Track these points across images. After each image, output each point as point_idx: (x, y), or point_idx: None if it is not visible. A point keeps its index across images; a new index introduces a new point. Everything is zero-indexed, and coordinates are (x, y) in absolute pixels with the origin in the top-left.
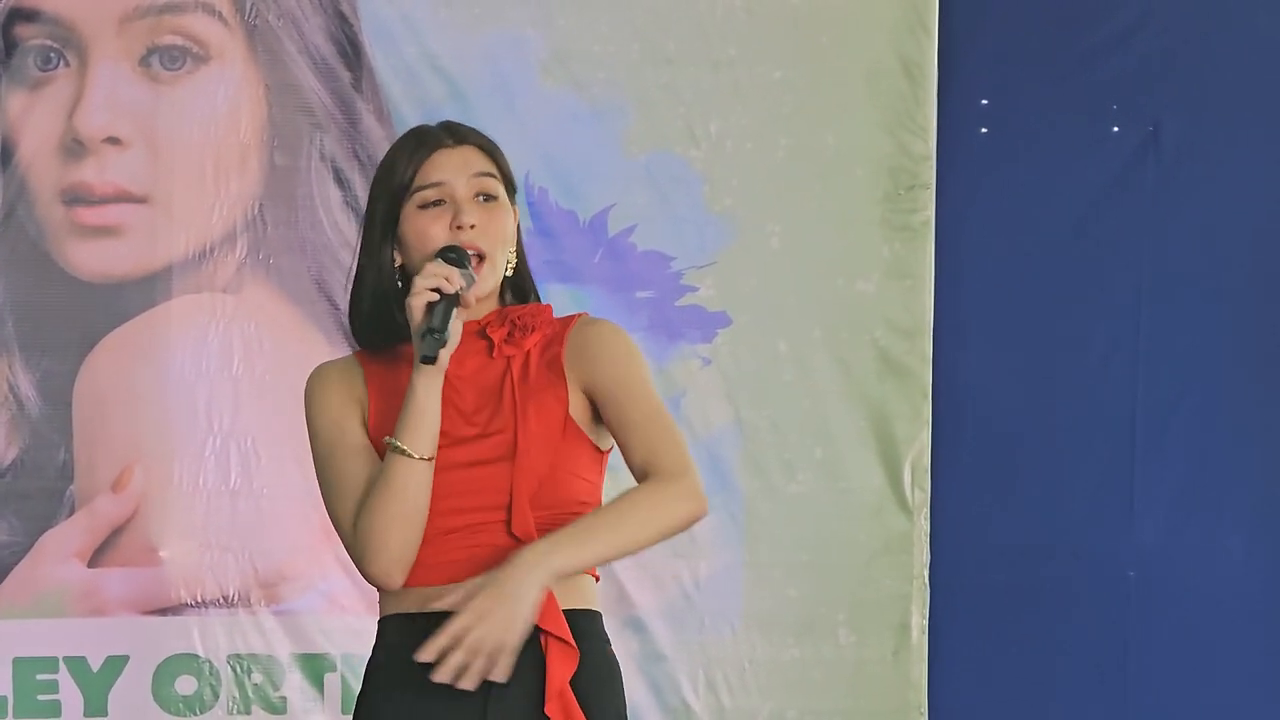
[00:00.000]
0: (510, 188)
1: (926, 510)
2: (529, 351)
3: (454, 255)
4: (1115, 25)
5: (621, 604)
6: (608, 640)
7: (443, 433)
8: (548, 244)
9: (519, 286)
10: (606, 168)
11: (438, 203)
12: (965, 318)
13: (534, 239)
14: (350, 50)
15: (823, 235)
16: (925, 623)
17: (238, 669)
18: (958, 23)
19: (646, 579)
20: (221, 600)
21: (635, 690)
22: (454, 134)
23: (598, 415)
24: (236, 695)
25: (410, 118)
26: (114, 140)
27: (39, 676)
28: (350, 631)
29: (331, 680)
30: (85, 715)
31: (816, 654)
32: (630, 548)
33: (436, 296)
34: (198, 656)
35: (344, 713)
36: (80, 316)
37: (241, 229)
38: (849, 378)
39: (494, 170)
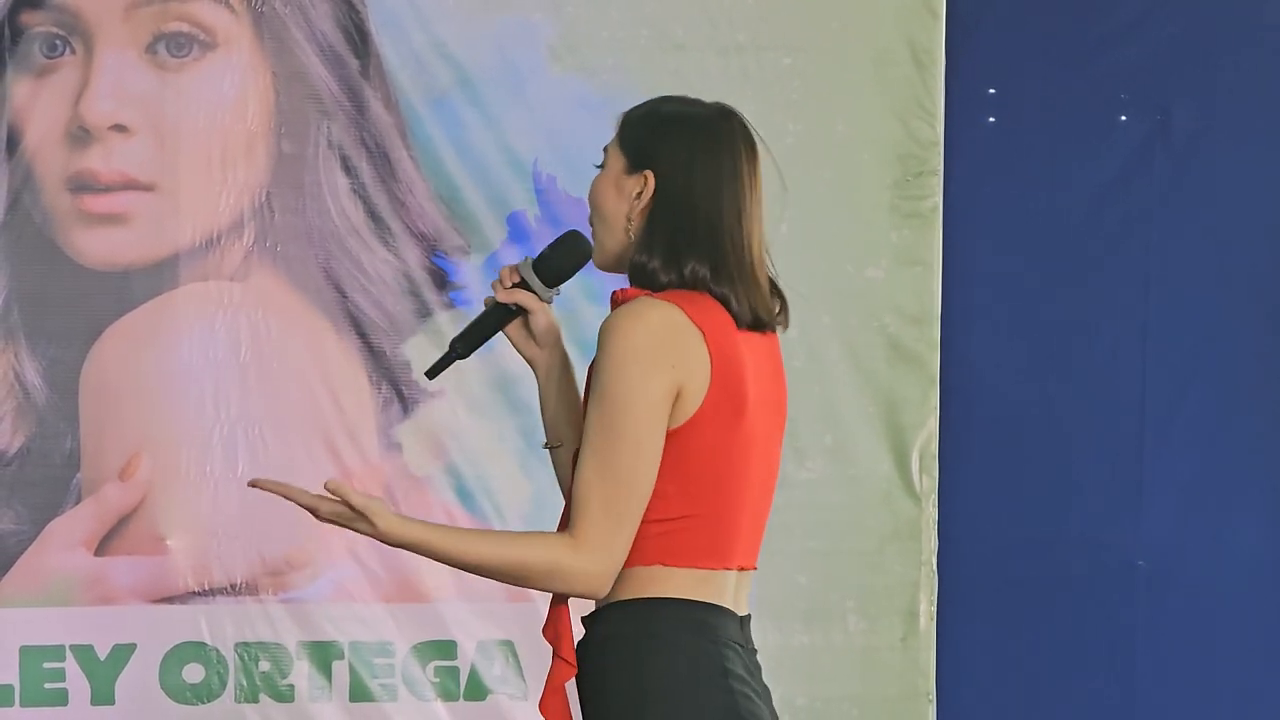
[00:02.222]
0: (631, 158)
1: (935, 497)
2: None
3: (545, 251)
4: (1124, 14)
5: None
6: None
7: None
8: (555, 231)
9: (638, 266)
10: None
11: None
12: (974, 305)
13: (542, 226)
14: (358, 37)
15: (831, 222)
16: (934, 609)
17: (245, 657)
18: (965, 9)
19: None
20: (229, 588)
21: None
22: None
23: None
24: (244, 683)
25: (418, 105)
26: (120, 128)
27: (46, 665)
28: (358, 619)
29: (339, 668)
30: (92, 704)
31: (826, 641)
32: (475, 571)
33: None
34: (205, 645)
35: (352, 701)
36: (87, 304)
37: (249, 217)
38: (858, 364)
39: (610, 144)
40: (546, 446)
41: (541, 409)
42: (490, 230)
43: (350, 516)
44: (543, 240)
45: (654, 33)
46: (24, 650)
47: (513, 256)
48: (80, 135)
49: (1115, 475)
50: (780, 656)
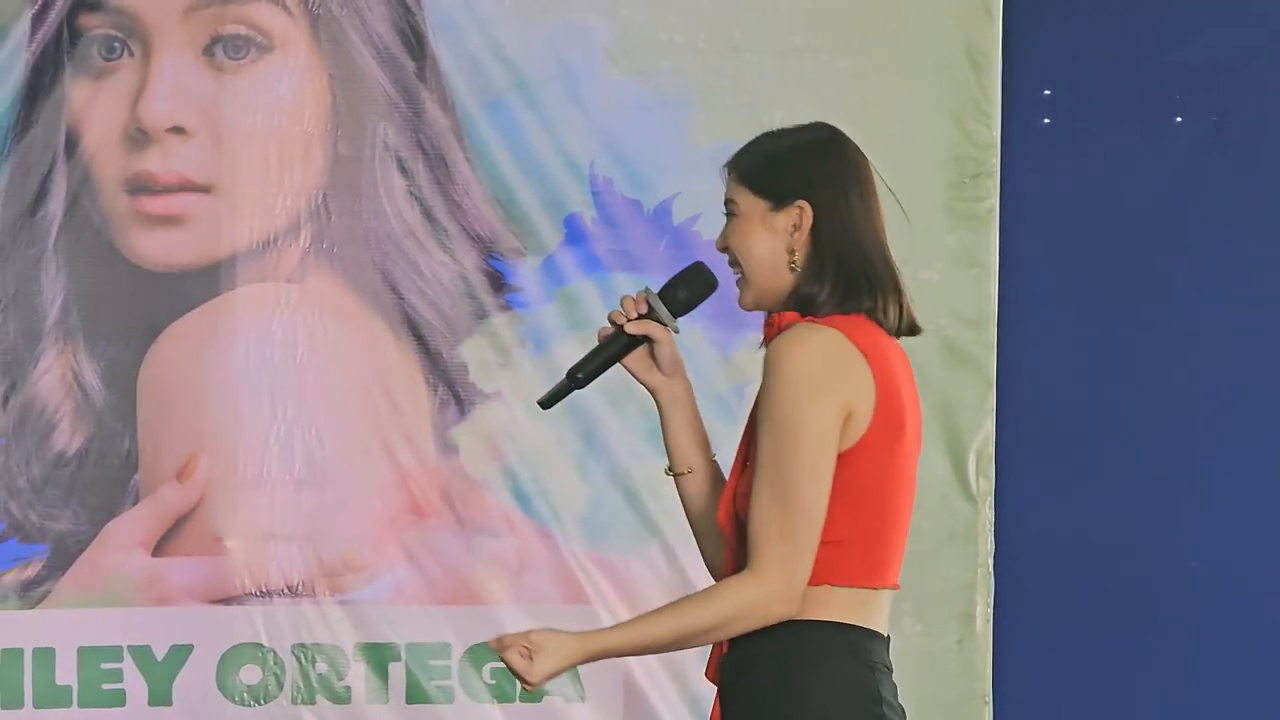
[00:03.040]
0: (772, 196)
1: (991, 499)
2: None
3: (674, 281)
4: (1179, 15)
5: (686, 592)
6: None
7: None
8: (612, 233)
9: (803, 296)
10: (671, 157)
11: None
12: (1030, 307)
13: (598, 228)
14: (414, 39)
15: (888, 223)
16: (990, 611)
17: (302, 659)
18: (1022, 11)
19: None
20: (286, 590)
21: (699, 679)
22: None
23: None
24: (301, 685)
25: (473, 107)
26: (178, 130)
27: (104, 665)
28: (414, 621)
29: (396, 670)
30: (150, 704)
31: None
32: (675, 646)
33: (612, 330)
34: (262, 646)
35: (408, 703)
36: (144, 306)
37: (305, 218)
38: (914, 366)
39: (736, 192)
40: (673, 473)
41: (666, 436)
42: (546, 232)
43: (524, 667)
44: (599, 242)
45: (711, 35)
46: (82, 651)
47: (569, 259)
48: (138, 137)
49: (1170, 477)
50: None
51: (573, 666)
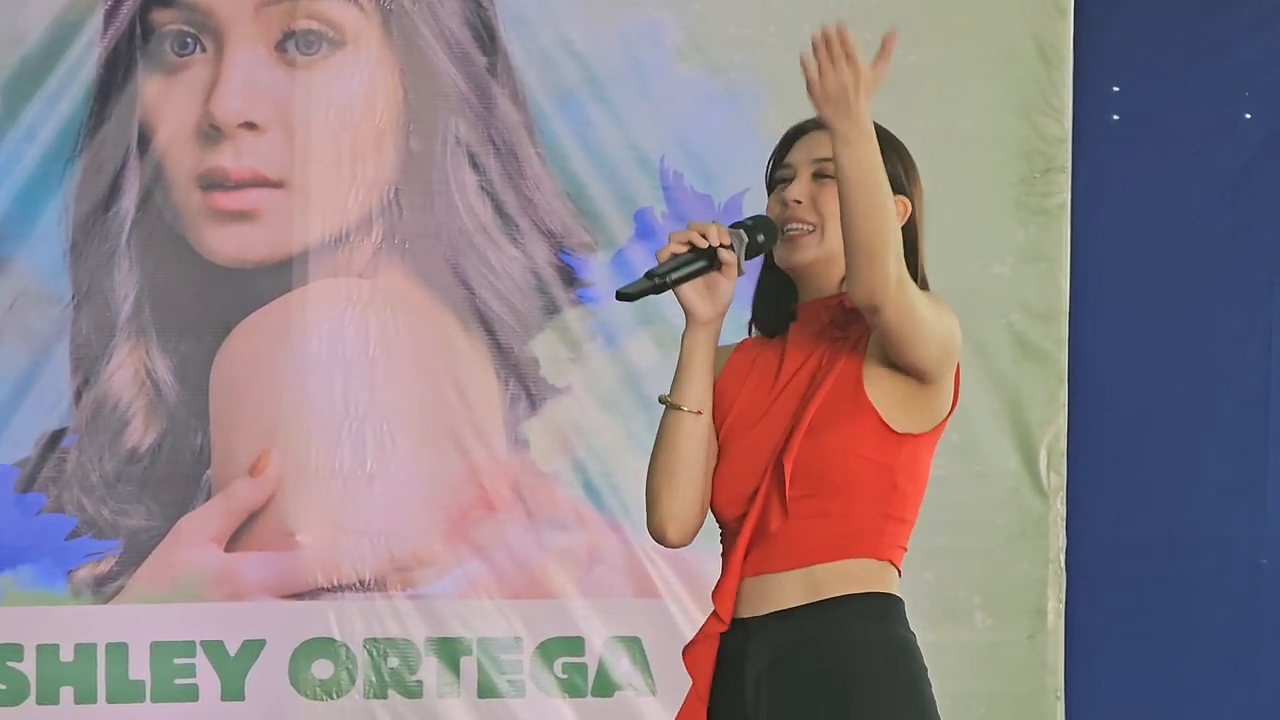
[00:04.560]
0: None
1: (1062, 494)
2: (850, 340)
3: (749, 224)
4: (1248, 11)
5: None
6: (890, 622)
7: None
8: (683, 228)
9: None
10: (742, 152)
11: (783, 181)
12: (1101, 301)
13: (669, 223)
14: (485, 34)
15: (958, 218)
16: (1061, 606)
17: (374, 653)
18: (1092, 7)
19: None
20: (358, 584)
21: None
22: (818, 120)
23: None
24: (373, 679)
25: (545, 102)
26: (250, 125)
27: (176, 660)
28: (485, 616)
29: (467, 664)
30: (222, 699)
31: (953, 637)
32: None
33: (684, 249)
34: (334, 640)
35: (480, 697)
36: (216, 301)
37: (377, 214)
38: (985, 361)
39: None
40: (675, 406)
41: (687, 372)
42: (617, 227)
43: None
44: (669, 236)
45: (781, 30)
46: (155, 646)
47: (640, 253)
48: (211, 133)
49: (1240, 472)
50: None
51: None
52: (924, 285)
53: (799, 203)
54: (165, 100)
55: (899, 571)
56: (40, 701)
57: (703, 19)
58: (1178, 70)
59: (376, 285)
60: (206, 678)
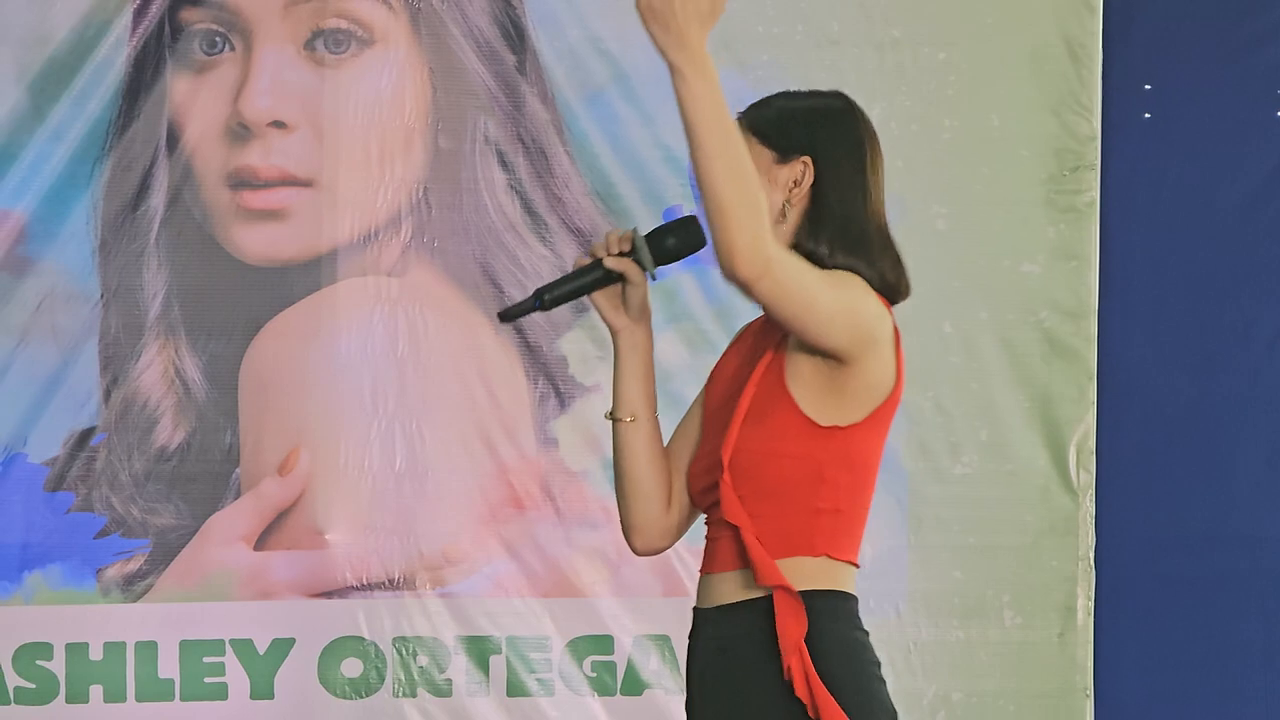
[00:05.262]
0: (778, 148)
1: (1092, 492)
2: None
3: (661, 229)
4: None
5: None
6: (846, 622)
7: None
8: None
9: (801, 251)
10: None
11: None
12: (1131, 299)
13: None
14: (514, 33)
15: (988, 216)
16: (1091, 605)
17: (403, 652)
18: (1121, 4)
19: None
20: (387, 583)
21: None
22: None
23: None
24: (402, 678)
25: (574, 101)
26: (279, 124)
27: (206, 659)
28: (515, 614)
29: (497, 663)
30: (251, 698)
31: (982, 636)
32: (709, 148)
33: (587, 261)
34: (363, 639)
35: (509, 695)
36: (245, 300)
37: (406, 212)
38: (1014, 359)
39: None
40: (614, 419)
41: (618, 380)
42: (646, 225)
43: None
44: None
45: (809, 28)
46: (184, 644)
47: None
48: (239, 132)
49: (1271, 470)
50: (937, 651)
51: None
52: (880, 231)
53: None
54: (194, 99)
55: (852, 563)
56: (70, 700)
57: (731, 16)
58: (1209, 68)
59: (405, 284)
60: (236, 676)
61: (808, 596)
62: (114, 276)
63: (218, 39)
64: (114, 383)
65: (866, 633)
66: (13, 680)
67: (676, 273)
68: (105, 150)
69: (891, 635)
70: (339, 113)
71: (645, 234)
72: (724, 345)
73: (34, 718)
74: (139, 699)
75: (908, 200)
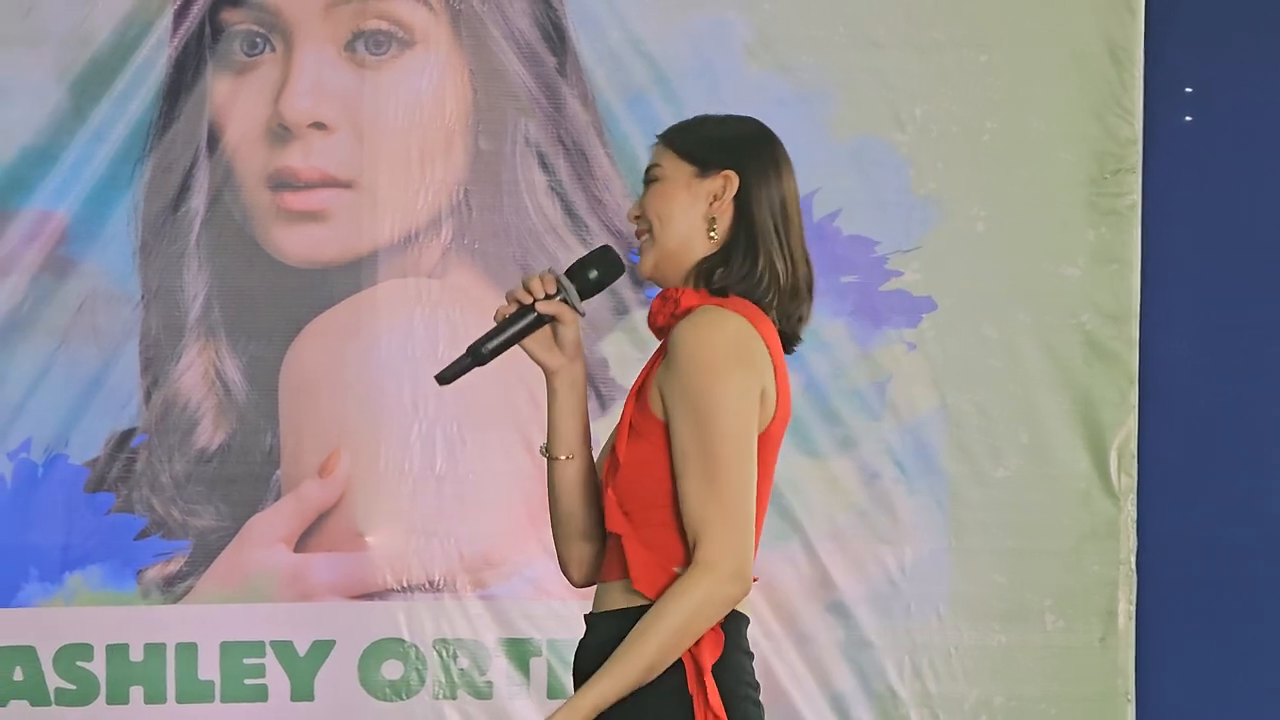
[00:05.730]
0: (699, 162)
1: (1133, 496)
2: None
3: (581, 263)
4: None
5: (826, 589)
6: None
7: None
8: None
9: (706, 268)
10: (812, 152)
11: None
12: (1172, 303)
13: None
14: (555, 35)
15: (1029, 219)
16: (1133, 609)
17: (444, 654)
18: (1163, 7)
19: (851, 564)
20: (427, 585)
21: (840, 677)
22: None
23: None
24: (442, 680)
25: (614, 103)
26: (319, 125)
27: (246, 661)
28: (555, 616)
29: (537, 665)
30: (292, 700)
31: (1023, 640)
32: (658, 665)
33: (514, 308)
34: (404, 641)
35: (549, 698)
36: (286, 301)
37: (446, 214)
38: (1056, 363)
39: (662, 157)
40: (550, 457)
41: (553, 418)
42: None
43: None
44: None
45: (851, 30)
46: (224, 646)
47: None
48: (280, 133)
49: None
50: (978, 656)
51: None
52: (803, 254)
53: (637, 218)
54: (234, 100)
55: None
56: (110, 701)
57: (773, 19)
58: (1250, 71)
59: (446, 285)
60: (276, 678)
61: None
62: (155, 278)
63: (258, 40)
64: (155, 384)
65: (750, 654)
66: (54, 681)
67: None
68: (146, 151)
69: (933, 639)
70: (379, 114)
71: (566, 271)
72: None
73: (75, 719)
74: (179, 700)
75: (948, 203)
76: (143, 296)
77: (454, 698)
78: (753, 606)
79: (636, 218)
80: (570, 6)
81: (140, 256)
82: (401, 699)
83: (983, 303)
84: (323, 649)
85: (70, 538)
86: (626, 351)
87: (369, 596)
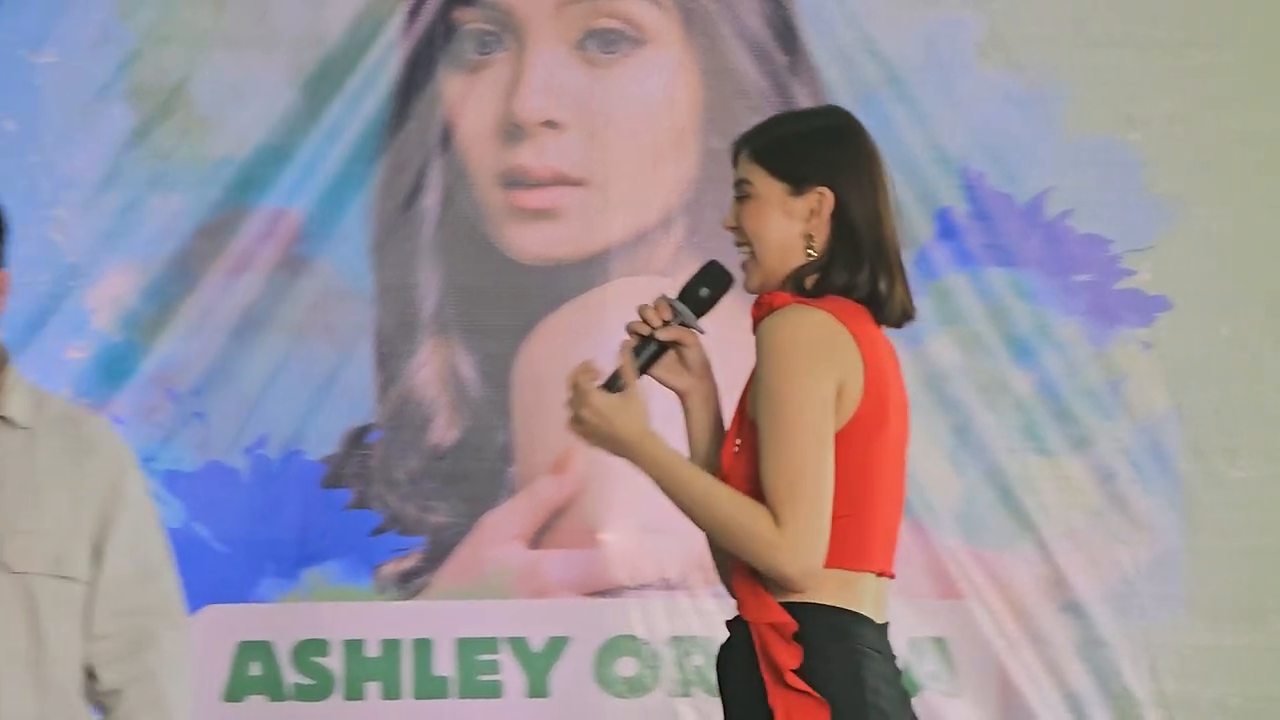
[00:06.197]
0: (791, 180)
1: None
2: None
3: (691, 282)
4: None
5: (1060, 589)
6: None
7: None
8: (985, 227)
9: (803, 274)
10: (1044, 150)
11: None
12: None
13: (971, 222)
14: (786, 33)
15: (1264, 217)
16: None
17: (678, 651)
18: None
19: (1086, 563)
20: (661, 582)
21: (1076, 676)
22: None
23: None
24: (677, 677)
25: (846, 101)
26: (551, 124)
27: (480, 657)
28: None
29: None
30: (527, 696)
31: (1260, 640)
32: (691, 518)
33: (634, 341)
34: (638, 638)
35: None
36: (519, 299)
37: (678, 212)
38: None
39: (750, 172)
40: None
41: (691, 439)
42: (918, 226)
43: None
44: (971, 236)
45: (1082, 28)
46: (460, 642)
47: (941, 253)
48: (512, 131)
49: None
50: (1213, 657)
51: (613, 438)
52: (895, 249)
53: (734, 229)
54: (467, 99)
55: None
56: (347, 697)
57: (1005, 17)
58: None
59: (678, 283)
60: (511, 674)
61: (809, 611)
62: (388, 274)
63: (490, 39)
64: (389, 381)
65: (878, 651)
66: (290, 676)
67: (949, 274)
68: (379, 150)
69: (1167, 639)
70: (611, 112)
71: (679, 294)
72: (998, 348)
73: (312, 714)
74: (416, 696)
75: (1186, 201)
76: (377, 294)
77: (688, 695)
78: (890, 612)
79: (733, 228)
80: (801, 5)
81: (374, 254)
82: (636, 696)
83: (1218, 301)
84: (557, 645)
85: (307, 534)
86: None
87: (603, 593)
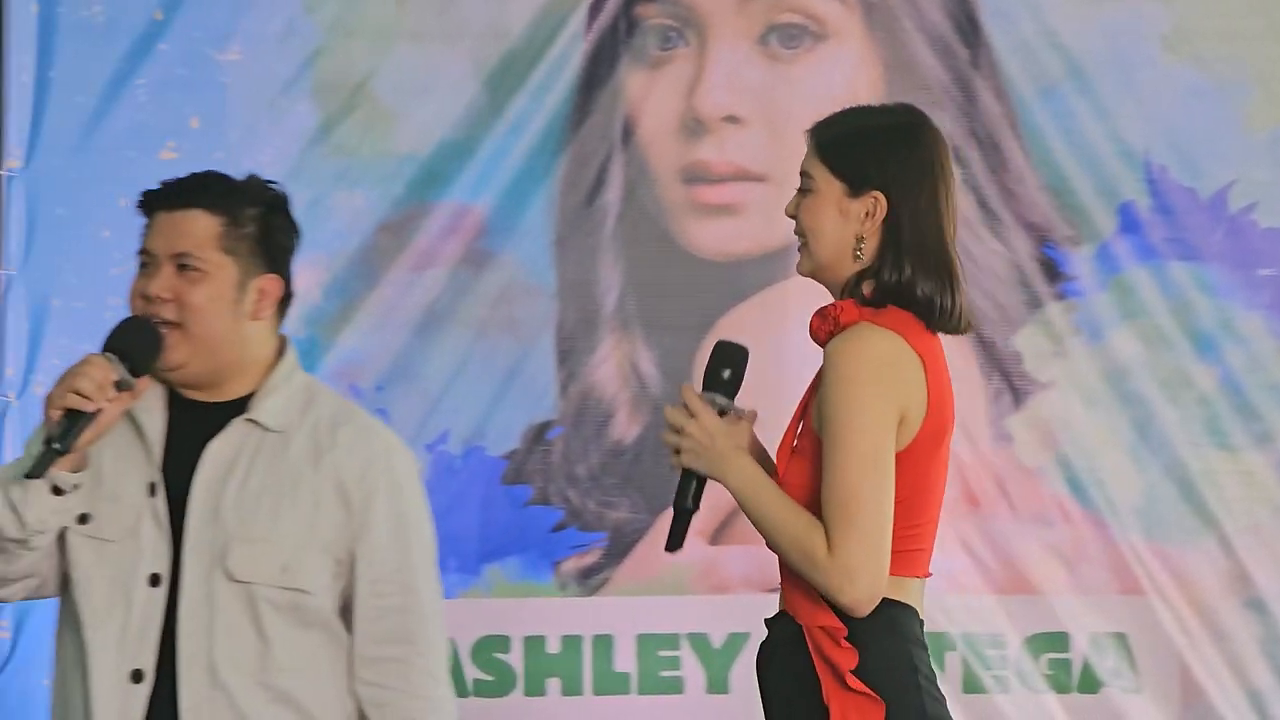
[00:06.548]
0: (850, 180)
1: None
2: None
3: (711, 365)
4: None
5: (1243, 584)
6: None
7: None
8: (1167, 221)
9: (857, 279)
10: (1228, 144)
11: None
12: None
13: (1153, 216)
14: (967, 26)
15: None
16: None
17: None
18: None
19: (1269, 559)
20: None
21: (1259, 673)
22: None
23: None
24: None
25: (1028, 95)
26: (733, 119)
27: (661, 653)
28: (970, 611)
29: (952, 659)
30: (707, 692)
31: None
32: (765, 537)
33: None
34: None
35: (965, 692)
36: (700, 295)
37: None
38: None
39: (813, 166)
40: None
41: None
42: (1101, 221)
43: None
44: (1154, 230)
45: (1269, 21)
46: (641, 638)
47: (1124, 247)
48: (694, 127)
49: None
50: None
51: (713, 451)
52: (948, 259)
53: (793, 217)
54: (648, 94)
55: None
56: (528, 693)
57: (1189, 10)
58: None
59: None
60: (691, 670)
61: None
62: (570, 270)
63: (672, 34)
64: (570, 377)
65: (924, 646)
66: (472, 672)
67: (1132, 269)
68: (562, 144)
69: None
70: (791, 107)
71: (702, 389)
72: (1180, 342)
73: (492, 709)
74: (596, 692)
75: None
76: (558, 289)
77: None
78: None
79: (793, 216)
80: None
81: (556, 249)
82: None
83: None
84: (737, 642)
85: (488, 530)
86: (1041, 345)
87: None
